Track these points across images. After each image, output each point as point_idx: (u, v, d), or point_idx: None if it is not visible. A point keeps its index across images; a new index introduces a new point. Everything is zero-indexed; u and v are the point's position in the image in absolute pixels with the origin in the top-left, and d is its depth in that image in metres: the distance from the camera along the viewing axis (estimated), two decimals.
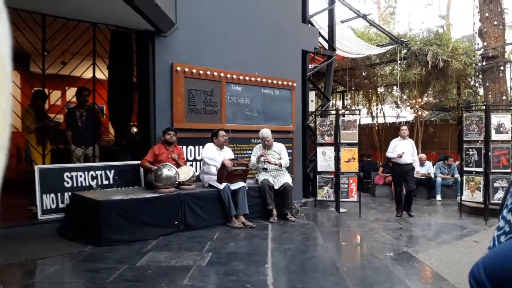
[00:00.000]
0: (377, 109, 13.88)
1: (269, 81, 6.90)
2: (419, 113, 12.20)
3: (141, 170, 5.57)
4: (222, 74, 6.24)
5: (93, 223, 4.29)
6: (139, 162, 5.42)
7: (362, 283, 3.54)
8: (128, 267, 3.48)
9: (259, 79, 6.75)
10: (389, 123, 13.90)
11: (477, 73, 11.03)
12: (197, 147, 6.07)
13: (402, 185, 7.24)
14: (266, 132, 5.92)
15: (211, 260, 3.72)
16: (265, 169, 5.90)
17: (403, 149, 7.16)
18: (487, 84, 9.36)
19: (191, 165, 5.87)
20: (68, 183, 5.00)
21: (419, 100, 12.24)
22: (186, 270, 3.39)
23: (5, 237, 4.30)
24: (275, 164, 5.85)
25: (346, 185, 7.31)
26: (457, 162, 9.78)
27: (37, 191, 4.73)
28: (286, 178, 5.85)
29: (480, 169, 6.94)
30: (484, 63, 9.43)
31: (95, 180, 5.22)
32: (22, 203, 5.37)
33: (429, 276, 4.17)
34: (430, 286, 3.78)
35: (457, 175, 9.23)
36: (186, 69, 5.81)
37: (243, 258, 3.83)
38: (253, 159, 5.95)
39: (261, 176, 5.84)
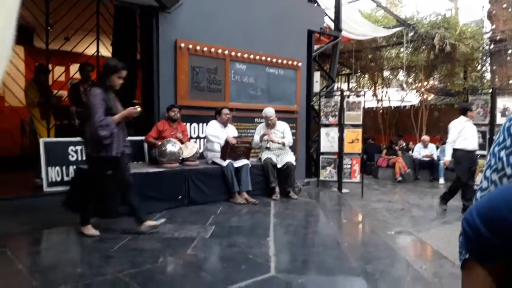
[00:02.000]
0: (382, 92, 13.78)
1: (274, 60, 6.84)
2: (425, 96, 12.10)
3: (145, 145, 5.60)
4: (226, 52, 6.19)
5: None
6: (143, 138, 5.44)
7: (362, 258, 3.58)
8: (133, 238, 3.53)
9: (263, 58, 6.69)
10: (394, 106, 13.82)
11: (484, 57, 10.88)
12: (200, 124, 6.08)
13: (466, 176, 6.09)
14: (269, 111, 5.90)
15: (214, 232, 3.77)
16: (268, 148, 5.91)
17: (471, 132, 6.13)
18: (494, 67, 9.26)
19: (195, 142, 5.88)
20: (73, 156, 5.03)
21: (425, 83, 12.12)
22: (190, 241, 3.45)
23: (12, 208, 4.37)
24: (279, 143, 5.85)
25: (349, 166, 7.32)
26: None
27: (43, 164, 4.77)
28: (289, 157, 5.86)
29: (485, 152, 6.91)
30: (491, 46, 9.30)
31: None
32: (28, 176, 5.43)
33: (429, 254, 4.21)
34: (430, 263, 3.82)
35: None
36: (190, 46, 5.77)
37: (245, 232, 3.88)
38: (256, 138, 5.96)
39: (264, 155, 5.86)
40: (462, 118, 6.14)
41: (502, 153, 0.74)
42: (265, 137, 5.85)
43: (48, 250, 3.33)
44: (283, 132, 5.98)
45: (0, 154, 5.87)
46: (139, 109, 3.72)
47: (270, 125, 5.93)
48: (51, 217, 4.18)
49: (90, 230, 3.53)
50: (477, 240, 0.64)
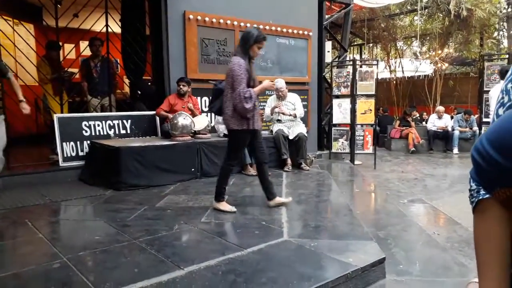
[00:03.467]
0: (395, 62, 13.49)
1: (284, 30, 6.72)
2: (439, 65, 11.82)
3: (157, 120, 5.63)
4: (235, 23, 6.10)
5: (113, 169, 4.41)
6: (154, 112, 5.47)
7: (375, 224, 3.60)
8: (148, 208, 3.61)
9: (273, 28, 6.58)
10: (408, 77, 13.55)
11: (501, 22, 10.50)
12: (211, 98, 6.04)
13: None
14: (280, 82, 5.84)
15: (228, 202, 3.80)
16: (279, 121, 5.88)
17: None
18: (511, 32, 8.94)
19: (206, 115, 5.89)
20: (86, 131, 5.10)
21: (440, 52, 11.81)
22: (204, 210, 3.51)
23: (30, 182, 4.49)
24: (290, 115, 5.82)
25: (361, 137, 7.27)
26: (476, 116, 9.57)
27: (57, 139, 4.85)
28: (300, 129, 5.84)
29: None
30: (509, 9, 8.95)
31: (112, 129, 5.31)
32: (44, 152, 5.55)
33: (442, 220, 4.21)
34: (443, 229, 3.82)
35: (475, 128, 9.07)
36: (199, 17, 5.69)
37: (258, 201, 3.92)
38: (267, 110, 5.93)
39: (276, 127, 5.84)
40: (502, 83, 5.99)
41: None
42: (276, 110, 5.81)
43: (66, 220, 3.43)
44: (294, 104, 5.93)
45: (17, 131, 5.98)
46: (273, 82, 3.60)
47: (281, 97, 5.88)
48: (67, 190, 4.28)
49: (227, 206, 3.46)
50: (488, 167, 0.63)
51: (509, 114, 0.63)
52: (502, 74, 5.89)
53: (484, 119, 7.03)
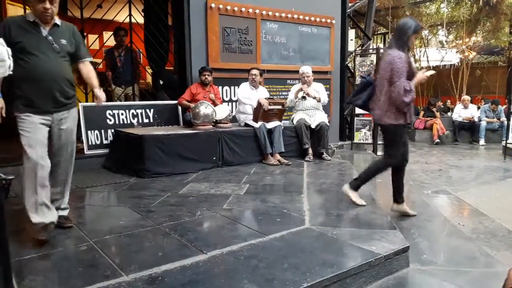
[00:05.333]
0: (420, 52, 13.16)
1: (307, 18, 6.63)
2: (466, 54, 11.46)
3: (179, 109, 5.68)
4: (257, 11, 6.06)
5: (136, 157, 4.48)
6: (177, 101, 5.51)
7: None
8: (171, 194, 3.66)
9: (296, 16, 6.50)
10: (433, 66, 13.20)
11: None
12: (232, 87, 6.07)
13: None
14: (306, 67, 5.78)
15: (249, 190, 3.84)
16: (304, 98, 5.69)
17: None
18: None
19: (227, 105, 5.90)
20: (110, 120, 5.19)
21: (467, 40, 11.44)
22: (225, 197, 3.53)
23: None
24: (314, 98, 5.69)
25: None
26: (505, 106, 9.26)
27: (82, 127, 4.96)
28: (322, 117, 5.77)
29: None
30: None
31: (135, 118, 5.39)
32: None
33: (467, 211, 4.12)
34: (468, 220, 3.74)
35: (503, 119, 8.78)
36: (221, 6, 5.68)
37: (279, 190, 3.92)
38: (291, 95, 5.83)
39: (297, 116, 5.79)
40: None
41: None
42: (301, 93, 5.67)
43: (91, 206, 3.52)
44: (318, 92, 5.85)
45: None
46: (431, 72, 3.37)
47: (306, 83, 5.78)
48: (92, 177, 4.38)
49: (359, 199, 3.36)
50: None
51: None
52: None
53: None
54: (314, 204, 3.39)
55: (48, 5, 2.47)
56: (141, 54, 7.42)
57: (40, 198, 2.46)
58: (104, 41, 7.02)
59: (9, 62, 1.97)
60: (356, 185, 3.40)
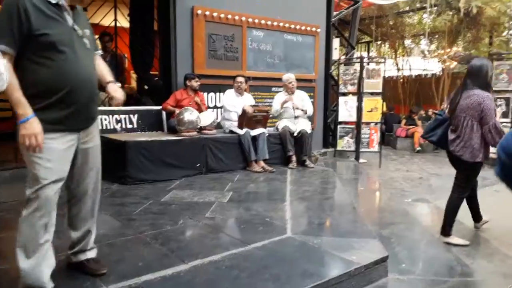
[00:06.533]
0: (403, 61, 13.41)
1: (292, 26, 6.71)
2: (447, 64, 11.73)
3: (164, 115, 5.65)
4: (243, 18, 6.10)
5: (119, 164, 4.44)
6: (161, 107, 5.49)
7: (378, 222, 3.61)
8: (153, 202, 3.64)
9: (281, 24, 6.57)
10: (415, 75, 13.47)
11: (511, 21, 10.40)
12: (217, 94, 6.08)
13: None
14: (289, 75, 5.85)
15: (232, 198, 3.85)
16: (296, 117, 5.83)
17: None
18: None
19: (212, 111, 5.91)
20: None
21: (448, 50, 11.72)
22: (208, 205, 3.53)
23: None
24: (302, 110, 5.81)
25: (367, 135, 7.25)
26: None
27: None
28: (304, 125, 5.83)
29: (507, 120, 6.73)
30: None
31: (119, 124, 5.35)
32: None
33: None
34: None
35: None
36: (207, 13, 5.70)
37: (262, 197, 3.95)
38: (276, 105, 5.89)
39: (282, 123, 5.84)
40: None
41: None
42: (288, 104, 5.76)
43: None
44: (303, 101, 5.93)
45: None
46: None
47: (289, 91, 5.85)
48: None
49: (459, 240, 3.31)
50: (510, 164, 0.64)
51: None
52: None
53: None
54: (296, 213, 3.43)
55: None
56: (126, 59, 7.37)
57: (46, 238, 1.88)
58: None
59: (6, 75, 1.52)
60: (447, 231, 3.38)
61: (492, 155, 3.30)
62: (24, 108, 1.67)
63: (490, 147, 3.27)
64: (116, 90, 2.11)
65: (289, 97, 5.81)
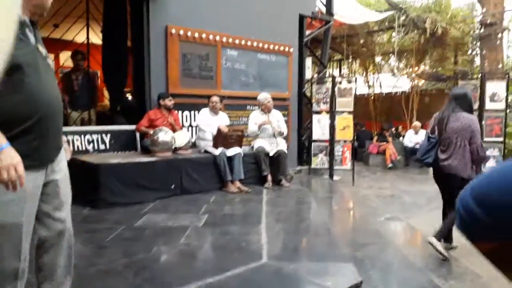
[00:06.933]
0: (374, 78, 13.80)
1: (266, 46, 6.81)
2: (415, 82, 12.16)
3: (137, 134, 5.58)
4: (218, 38, 6.14)
5: (91, 186, 4.34)
6: (134, 127, 5.42)
7: (352, 244, 3.65)
8: (126, 227, 3.56)
9: (255, 44, 6.66)
10: (385, 93, 13.87)
11: (474, 41, 10.93)
12: (192, 112, 6.06)
13: None
14: (267, 94, 5.93)
15: (207, 221, 3.81)
16: (274, 137, 5.90)
17: None
18: (484, 52, 9.30)
19: (187, 130, 5.88)
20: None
21: (416, 68, 12.17)
22: (183, 230, 3.48)
23: None
24: (280, 132, 5.87)
25: (340, 153, 7.38)
26: None
27: None
28: (281, 145, 5.89)
29: None
30: (482, 30, 9.33)
31: (91, 144, 5.23)
32: None
33: (418, 239, 4.31)
34: (418, 249, 3.92)
35: None
36: (181, 32, 5.71)
37: (238, 220, 3.93)
38: (254, 127, 5.87)
39: (257, 143, 5.87)
40: None
41: None
42: (266, 125, 5.81)
43: None
44: (278, 122, 6.00)
45: None
46: None
47: (265, 111, 5.90)
48: None
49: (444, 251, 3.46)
50: (470, 220, 0.65)
51: (495, 171, 0.65)
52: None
53: None
54: (272, 236, 3.43)
55: None
56: (97, 77, 7.27)
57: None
58: (61, 63, 6.81)
59: None
60: (439, 237, 3.54)
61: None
62: None
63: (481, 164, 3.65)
64: (65, 149, 1.92)
65: (268, 120, 5.84)
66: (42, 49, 1.68)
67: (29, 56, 1.57)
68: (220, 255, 2.96)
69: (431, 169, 8.93)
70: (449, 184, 3.58)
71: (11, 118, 1.52)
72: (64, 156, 1.84)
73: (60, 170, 1.79)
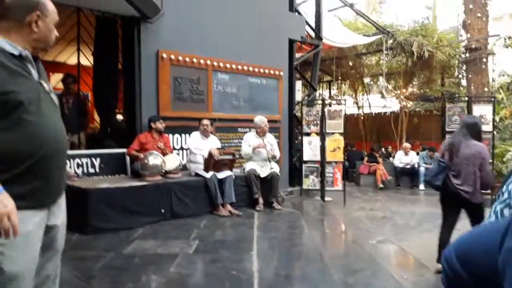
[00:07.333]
0: (363, 99, 14.00)
1: (256, 69, 6.90)
2: (404, 103, 12.37)
3: (127, 158, 5.54)
4: (208, 62, 6.21)
5: (80, 212, 4.26)
6: (125, 150, 5.39)
7: (344, 270, 3.62)
8: (115, 255, 3.50)
9: (246, 68, 6.74)
10: (375, 113, 14.05)
11: (460, 65, 11.21)
12: (183, 135, 6.06)
13: None
14: (263, 118, 5.98)
15: (198, 248, 3.77)
16: (268, 160, 5.93)
17: None
18: (470, 75, 9.52)
19: (178, 153, 5.86)
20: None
21: (404, 90, 12.39)
22: (173, 258, 3.43)
23: None
24: (274, 156, 5.91)
25: (331, 174, 7.40)
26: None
27: None
28: (273, 167, 5.89)
29: None
30: (467, 54, 9.58)
31: (80, 168, 5.18)
32: None
33: (410, 263, 4.29)
34: (410, 272, 3.90)
35: None
36: (172, 56, 5.76)
37: (229, 246, 3.89)
38: (248, 149, 5.87)
39: (248, 166, 5.87)
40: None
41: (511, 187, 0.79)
42: (261, 149, 5.84)
43: None
44: (272, 145, 6.04)
45: None
46: None
47: (260, 133, 5.93)
48: None
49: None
50: (453, 277, 0.66)
51: (477, 233, 0.67)
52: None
53: None
54: (263, 263, 3.39)
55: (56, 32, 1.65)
56: (88, 100, 7.25)
57: None
58: (53, 85, 6.79)
59: None
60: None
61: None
62: None
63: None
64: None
65: (263, 144, 5.87)
66: (46, 85, 1.60)
67: (31, 93, 1.49)
68: (210, 284, 2.91)
69: (421, 189, 9.00)
70: (465, 208, 3.74)
71: (11, 158, 1.45)
72: (64, 202, 1.76)
73: (61, 213, 1.70)
